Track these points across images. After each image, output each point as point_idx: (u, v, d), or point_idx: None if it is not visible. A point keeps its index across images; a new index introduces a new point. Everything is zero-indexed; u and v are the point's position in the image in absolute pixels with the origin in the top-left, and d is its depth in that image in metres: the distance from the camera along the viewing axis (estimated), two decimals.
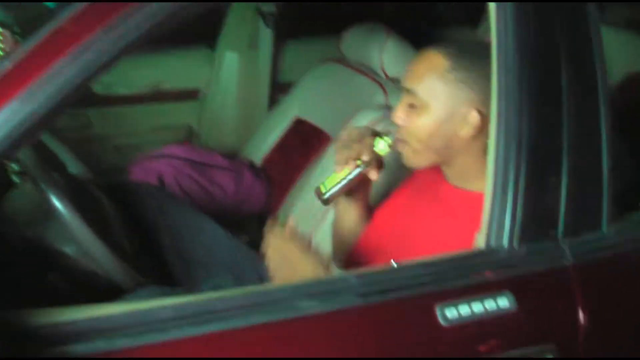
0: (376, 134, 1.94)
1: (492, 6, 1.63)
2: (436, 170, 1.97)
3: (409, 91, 1.86)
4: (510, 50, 1.59)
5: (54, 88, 1.32)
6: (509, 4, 1.60)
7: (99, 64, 1.36)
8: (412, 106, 1.85)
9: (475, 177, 1.86)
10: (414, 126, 1.84)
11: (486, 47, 1.80)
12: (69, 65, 1.33)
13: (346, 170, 1.94)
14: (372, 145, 1.92)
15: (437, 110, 1.82)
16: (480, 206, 1.73)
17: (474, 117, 1.79)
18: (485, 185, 1.79)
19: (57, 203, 1.77)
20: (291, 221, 1.82)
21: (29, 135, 1.34)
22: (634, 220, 1.74)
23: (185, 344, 1.37)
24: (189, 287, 2.12)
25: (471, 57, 1.82)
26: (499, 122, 1.60)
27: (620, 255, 1.69)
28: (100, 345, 1.32)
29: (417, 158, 1.89)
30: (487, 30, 3.58)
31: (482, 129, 1.78)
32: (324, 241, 2.54)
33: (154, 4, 1.38)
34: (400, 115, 1.87)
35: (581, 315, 1.60)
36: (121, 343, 1.33)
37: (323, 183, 1.97)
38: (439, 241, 1.83)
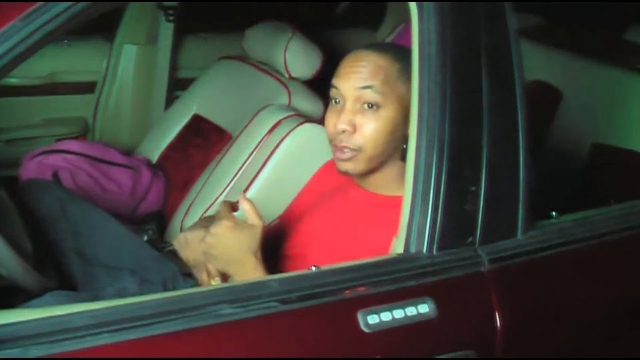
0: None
1: (413, 12, 1.63)
2: (333, 173, 1.94)
3: (359, 94, 1.80)
4: (432, 57, 1.60)
5: None
6: (431, 11, 1.60)
7: (14, 55, 1.32)
8: (368, 107, 1.79)
9: (390, 183, 1.87)
10: (372, 128, 1.79)
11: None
12: None
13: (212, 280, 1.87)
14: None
15: (393, 111, 1.79)
16: (391, 210, 1.75)
17: None
18: (393, 189, 1.81)
19: None
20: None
21: None
22: (546, 227, 1.78)
23: (102, 352, 1.32)
24: (93, 291, 2.05)
25: (409, 55, 1.73)
26: (420, 128, 1.60)
27: (533, 260, 1.73)
28: (14, 354, 1.25)
29: (363, 164, 1.83)
30: (387, 32, 3.63)
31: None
32: None
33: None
34: (346, 121, 1.79)
35: (498, 319, 1.62)
36: (36, 351, 1.27)
37: None
38: (349, 244, 1.84)
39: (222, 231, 1.76)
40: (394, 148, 1.82)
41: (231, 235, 1.75)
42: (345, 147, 1.81)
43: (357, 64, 1.82)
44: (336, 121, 1.80)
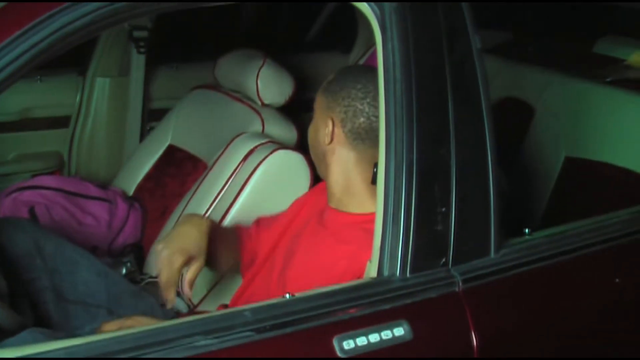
0: None
1: (378, 37, 1.65)
2: (324, 194, 2.03)
3: None
4: (397, 80, 1.62)
5: None
6: (394, 35, 1.62)
7: None
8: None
9: (358, 201, 1.93)
10: (308, 135, 2.06)
11: (366, 71, 1.95)
12: None
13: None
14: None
15: (314, 118, 2.02)
16: (360, 226, 1.82)
17: (329, 124, 1.93)
18: (364, 207, 1.83)
19: None
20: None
21: None
22: (519, 245, 1.79)
23: None
24: (70, 331, 2.04)
25: (346, 72, 2.02)
26: (388, 151, 1.62)
27: (507, 278, 1.74)
28: None
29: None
30: (358, 56, 3.65)
31: (340, 141, 1.93)
32: (203, 271, 2.51)
33: (35, 36, 1.35)
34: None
35: (474, 337, 1.63)
36: None
37: None
38: (323, 264, 1.88)
39: None
40: (321, 151, 1.99)
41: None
42: None
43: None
44: None
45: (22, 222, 2.45)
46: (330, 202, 2.00)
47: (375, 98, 1.81)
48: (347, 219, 1.92)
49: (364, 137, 1.89)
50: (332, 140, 1.93)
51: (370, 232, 1.65)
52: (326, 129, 1.93)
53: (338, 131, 1.92)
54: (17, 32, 1.34)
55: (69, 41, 1.39)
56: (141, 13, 1.46)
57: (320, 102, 1.98)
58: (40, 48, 1.35)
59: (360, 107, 1.89)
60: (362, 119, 1.89)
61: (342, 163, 1.94)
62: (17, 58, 1.34)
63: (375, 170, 1.73)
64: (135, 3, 1.44)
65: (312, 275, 1.84)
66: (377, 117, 1.77)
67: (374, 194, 1.68)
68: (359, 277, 1.69)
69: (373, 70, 1.86)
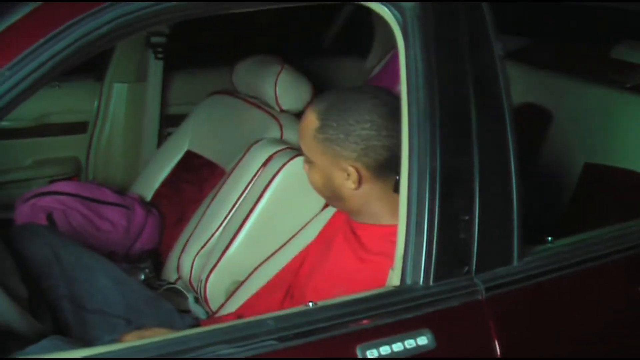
0: None
1: (400, 44, 1.64)
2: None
3: None
4: (420, 87, 1.61)
5: None
6: (417, 42, 1.61)
7: (4, 103, 1.33)
8: (306, 161, 1.95)
9: (381, 215, 1.90)
10: (310, 179, 1.95)
11: (357, 98, 1.87)
12: None
13: None
14: None
15: (319, 166, 1.91)
16: (387, 238, 1.79)
17: (352, 172, 1.84)
18: (388, 218, 1.82)
19: None
20: None
21: None
22: (542, 252, 1.78)
23: None
24: (87, 339, 2.04)
25: (338, 113, 1.86)
26: (411, 159, 1.61)
27: (530, 287, 1.73)
28: None
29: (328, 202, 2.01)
30: (375, 62, 3.64)
31: (364, 180, 1.85)
32: (222, 277, 2.51)
33: (58, 43, 1.34)
34: (304, 165, 1.98)
35: (497, 347, 1.63)
36: None
37: None
38: (352, 275, 1.87)
39: None
40: (342, 193, 1.90)
41: None
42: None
43: (301, 121, 1.98)
44: None
45: (40, 228, 2.46)
46: (353, 217, 1.98)
47: (387, 127, 1.81)
48: (376, 232, 1.90)
49: (391, 166, 1.79)
50: (360, 184, 1.87)
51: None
52: (347, 177, 1.86)
53: (364, 173, 1.85)
54: (52, 32, 1.35)
55: (101, 43, 1.40)
56: (180, 17, 1.46)
57: (318, 149, 1.88)
58: (81, 45, 1.36)
59: (378, 143, 1.82)
60: (385, 153, 1.82)
61: (367, 194, 1.88)
62: (56, 54, 1.35)
63: (397, 178, 1.72)
64: (179, 4, 1.44)
65: (338, 288, 1.82)
66: (395, 143, 1.72)
67: (396, 204, 1.67)
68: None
69: (364, 97, 1.87)
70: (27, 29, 1.36)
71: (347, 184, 1.86)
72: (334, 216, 2.17)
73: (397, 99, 1.82)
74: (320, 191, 1.96)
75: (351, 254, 1.92)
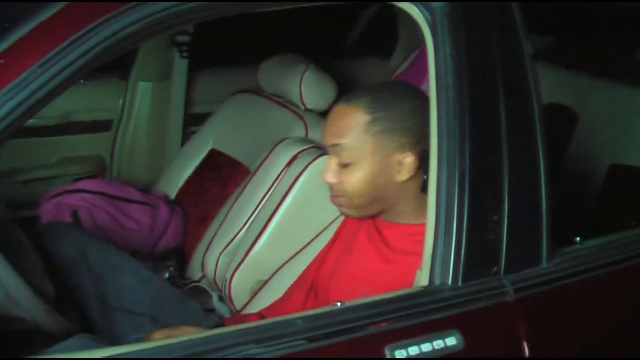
0: None
1: (429, 43, 1.63)
2: None
3: (334, 150, 1.86)
4: (449, 87, 1.60)
5: None
6: (446, 41, 1.60)
7: (35, 100, 1.33)
8: (342, 165, 1.84)
9: (411, 213, 1.88)
10: (349, 184, 1.84)
11: (400, 87, 1.82)
12: (4, 101, 1.30)
13: None
14: None
15: (368, 164, 1.82)
16: (413, 238, 1.78)
17: (409, 160, 1.80)
18: (416, 218, 1.81)
19: None
20: None
21: None
22: (571, 254, 1.77)
23: None
24: (113, 337, 2.05)
25: (388, 103, 1.83)
26: (440, 159, 1.60)
27: (559, 288, 1.72)
28: None
29: (356, 211, 1.90)
30: (399, 62, 3.64)
31: (418, 167, 1.81)
32: (246, 275, 2.51)
33: (89, 41, 1.35)
34: (331, 175, 1.87)
35: (526, 348, 1.62)
36: None
37: None
38: (376, 276, 1.85)
39: None
40: (384, 191, 1.84)
41: None
42: (335, 195, 1.89)
43: (330, 120, 1.88)
44: (324, 175, 1.88)
45: (68, 226, 2.47)
46: (382, 216, 1.94)
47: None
48: (404, 231, 1.88)
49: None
50: (414, 173, 1.82)
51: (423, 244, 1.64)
52: (400, 168, 1.81)
53: (418, 161, 1.81)
54: (82, 31, 1.35)
55: (129, 43, 1.41)
56: (206, 16, 1.46)
57: (369, 145, 1.81)
58: (106, 46, 1.37)
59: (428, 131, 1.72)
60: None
61: (407, 189, 1.84)
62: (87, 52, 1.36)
63: (425, 177, 1.71)
64: (204, 4, 1.44)
65: (362, 288, 1.82)
66: None
67: (425, 203, 1.66)
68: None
69: (402, 89, 1.86)
70: (58, 27, 1.37)
71: (398, 177, 1.81)
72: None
73: (423, 93, 1.82)
74: (361, 194, 1.84)
75: (375, 253, 1.90)
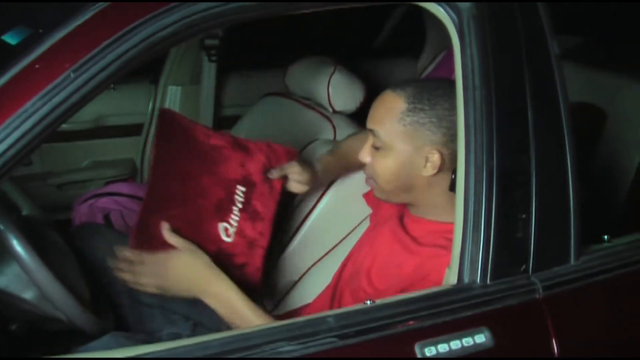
0: None
1: (456, 44, 1.65)
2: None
3: (372, 132, 1.91)
4: (477, 87, 1.61)
5: (25, 128, 1.31)
6: (473, 41, 1.62)
7: (70, 104, 1.35)
8: (376, 147, 1.91)
9: (439, 210, 1.90)
10: (379, 167, 1.91)
11: (446, 85, 1.83)
12: (39, 105, 1.32)
13: None
14: None
15: (398, 151, 1.87)
16: (437, 235, 1.82)
17: (435, 157, 1.83)
18: (444, 215, 1.83)
19: (17, 246, 1.71)
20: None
21: None
22: (599, 251, 1.77)
23: None
24: (146, 332, 2.08)
25: (429, 97, 1.85)
26: (468, 158, 1.62)
27: (588, 286, 1.72)
28: None
29: (385, 195, 1.96)
30: (427, 62, 3.63)
31: (443, 167, 1.84)
32: (279, 276, 2.53)
33: (123, 45, 1.37)
34: (366, 154, 1.94)
35: (555, 346, 1.63)
36: None
37: None
38: (402, 270, 1.87)
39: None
40: (410, 182, 1.89)
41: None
42: (367, 177, 1.99)
43: (374, 105, 1.94)
44: (361, 153, 1.97)
45: (100, 227, 2.51)
46: (411, 210, 1.99)
47: None
48: (430, 227, 1.91)
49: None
50: (439, 171, 1.86)
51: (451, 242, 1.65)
52: (426, 163, 1.85)
53: (447, 159, 1.84)
54: (118, 33, 1.37)
55: (166, 44, 1.42)
56: (246, 17, 1.48)
57: (400, 133, 1.86)
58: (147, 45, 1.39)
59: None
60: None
61: (437, 184, 1.88)
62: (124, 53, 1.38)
63: (453, 176, 1.73)
64: (245, 4, 1.46)
65: (390, 277, 1.85)
66: None
67: (452, 203, 1.68)
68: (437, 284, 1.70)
69: (448, 86, 1.84)
70: (94, 30, 1.38)
71: (423, 171, 1.86)
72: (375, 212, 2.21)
73: None
74: (388, 179, 1.90)
75: (398, 246, 1.94)
